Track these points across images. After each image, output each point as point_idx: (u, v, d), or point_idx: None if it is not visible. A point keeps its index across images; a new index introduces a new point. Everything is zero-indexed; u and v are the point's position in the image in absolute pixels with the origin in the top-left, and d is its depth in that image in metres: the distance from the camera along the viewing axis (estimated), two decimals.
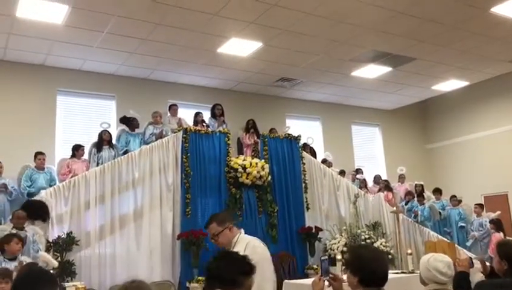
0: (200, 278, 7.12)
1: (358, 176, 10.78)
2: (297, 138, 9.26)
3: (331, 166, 10.19)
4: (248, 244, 2.91)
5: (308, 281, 2.65)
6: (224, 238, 3.02)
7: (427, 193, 10.59)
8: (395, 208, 8.61)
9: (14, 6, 6.48)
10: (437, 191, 10.45)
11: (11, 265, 4.48)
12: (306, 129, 10.94)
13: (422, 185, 10.67)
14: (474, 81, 11.17)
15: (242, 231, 3.09)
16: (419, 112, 13.33)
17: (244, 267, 1.97)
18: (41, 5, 6.49)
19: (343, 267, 5.94)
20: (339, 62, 9.32)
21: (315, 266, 8.15)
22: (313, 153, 10.10)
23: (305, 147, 9.81)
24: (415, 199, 10.31)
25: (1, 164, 7.26)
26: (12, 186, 7.11)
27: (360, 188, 10.07)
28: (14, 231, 5.22)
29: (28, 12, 6.70)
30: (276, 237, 8.29)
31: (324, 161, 10.24)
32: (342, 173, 10.35)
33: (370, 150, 12.81)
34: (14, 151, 7.63)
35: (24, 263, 4.44)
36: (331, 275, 2.69)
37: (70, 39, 7.63)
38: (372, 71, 9.92)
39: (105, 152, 7.81)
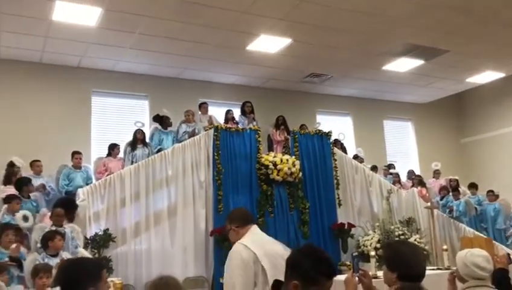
0: None
1: (391, 171, 10.63)
2: (328, 134, 9.20)
3: (363, 162, 10.09)
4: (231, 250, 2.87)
5: (341, 277, 2.65)
6: (231, 236, 3.02)
7: (462, 188, 10.34)
8: (429, 204, 8.46)
9: (50, 10, 6.69)
10: (473, 186, 10.19)
11: (53, 261, 4.64)
12: (337, 125, 10.84)
13: (457, 180, 10.42)
14: (510, 73, 10.81)
15: (250, 234, 2.98)
16: (453, 105, 13.01)
17: (328, 269, 1.95)
18: (75, 8, 6.67)
19: (377, 263, 5.91)
20: (370, 56, 9.20)
21: (348, 263, 8.09)
22: (344, 150, 10.01)
23: (336, 143, 9.74)
24: (450, 194, 10.09)
25: (41, 163, 7.53)
26: (50, 186, 7.35)
27: (393, 183, 9.93)
28: (53, 228, 5.40)
29: (63, 16, 6.90)
30: (308, 234, 8.28)
31: (355, 157, 10.14)
32: (374, 168, 10.23)
33: (403, 145, 12.61)
34: (52, 151, 7.89)
35: (65, 259, 4.58)
36: (361, 272, 2.68)
37: (104, 41, 7.82)
38: (404, 65, 9.74)
39: (139, 151, 7.97)
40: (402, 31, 8.10)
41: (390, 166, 10.98)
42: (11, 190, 6.61)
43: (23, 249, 5.20)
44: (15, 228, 5.33)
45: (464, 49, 9.04)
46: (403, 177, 10.96)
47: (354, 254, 8.26)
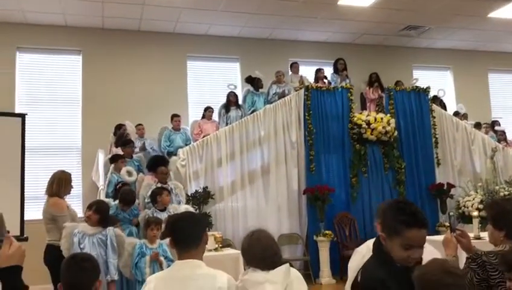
0: (327, 231, 7.28)
1: (496, 128, 9.88)
2: (426, 90, 8.73)
3: (466, 119, 9.47)
4: None
5: (439, 237, 2.58)
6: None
7: None
8: None
9: None
10: None
11: (162, 215, 5.03)
12: (435, 80, 10.21)
13: None
14: None
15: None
16: None
17: (408, 219, 1.88)
18: None
19: (480, 224, 5.63)
20: (473, 3, 8.42)
21: (447, 224, 7.80)
22: (443, 107, 9.46)
23: (435, 99, 9.22)
24: None
25: (143, 126, 8.06)
26: (152, 147, 7.86)
27: (499, 141, 9.24)
28: (159, 185, 5.82)
29: None
30: (404, 194, 8.08)
31: (456, 114, 9.55)
32: (478, 125, 9.57)
33: (511, 99, 11.57)
34: (153, 114, 8.40)
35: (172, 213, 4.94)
36: (458, 232, 2.58)
37: (196, 5, 7.99)
38: None
39: (233, 112, 8.21)
40: None
41: (495, 123, 10.18)
42: (120, 151, 7.18)
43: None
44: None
45: None
46: (510, 135, 10.13)
47: (450, 214, 7.92)
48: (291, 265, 2.56)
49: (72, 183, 4.87)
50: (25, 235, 4.96)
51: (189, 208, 5.77)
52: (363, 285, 1.94)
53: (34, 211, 6.30)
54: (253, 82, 8.69)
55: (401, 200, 2.06)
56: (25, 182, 5.76)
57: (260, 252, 2.49)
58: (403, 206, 1.93)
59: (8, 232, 1.61)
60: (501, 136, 9.62)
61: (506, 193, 7.84)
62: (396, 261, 1.90)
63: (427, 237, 2.75)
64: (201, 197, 7.10)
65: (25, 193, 5.68)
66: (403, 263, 1.89)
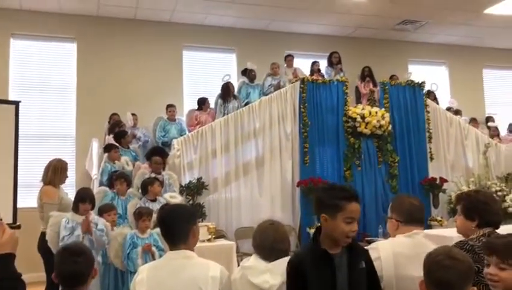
0: (320, 224, 7.31)
1: (489, 124, 9.93)
2: (421, 85, 8.74)
3: (459, 114, 9.51)
4: None
5: (431, 231, 2.60)
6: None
7: None
8: None
9: None
10: None
11: (153, 206, 5.03)
12: (430, 75, 10.24)
13: None
14: None
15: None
16: None
17: (344, 193, 2.07)
18: None
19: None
20: None
21: (439, 218, 7.87)
22: (436, 102, 9.50)
23: (429, 94, 9.25)
24: None
25: (136, 117, 8.04)
26: (145, 134, 7.79)
27: (492, 137, 9.30)
28: (153, 175, 5.82)
29: None
30: (396, 188, 8.12)
31: (448, 109, 9.60)
32: (473, 121, 9.63)
33: (505, 95, 11.62)
34: (148, 104, 8.38)
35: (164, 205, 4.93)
36: None
37: None
38: (510, 6, 8.82)
39: (231, 104, 8.20)
40: None
41: (489, 119, 10.24)
42: (112, 140, 7.15)
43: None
44: (125, 176, 5.81)
45: None
46: (503, 131, 10.20)
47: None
48: None
49: (67, 173, 4.87)
50: (17, 223, 4.95)
51: (176, 195, 5.75)
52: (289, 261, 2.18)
53: (27, 199, 6.29)
54: (246, 74, 8.67)
55: (329, 183, 2.40)
56: (18, 170, 5.75)
57: (271, 242, 2.53)
58: (338, 186, 2.18)
59: (1, 219, 1.60)
60: (494, 133, 9.68)
61: (498, 188, 7.91)
62: (338, 238, 2.05)
63: (426, 231, 2.85)
64: (195, 188, 7.09)
65: (18, 181, 5.68)
66: (344, 239, 2.05)
